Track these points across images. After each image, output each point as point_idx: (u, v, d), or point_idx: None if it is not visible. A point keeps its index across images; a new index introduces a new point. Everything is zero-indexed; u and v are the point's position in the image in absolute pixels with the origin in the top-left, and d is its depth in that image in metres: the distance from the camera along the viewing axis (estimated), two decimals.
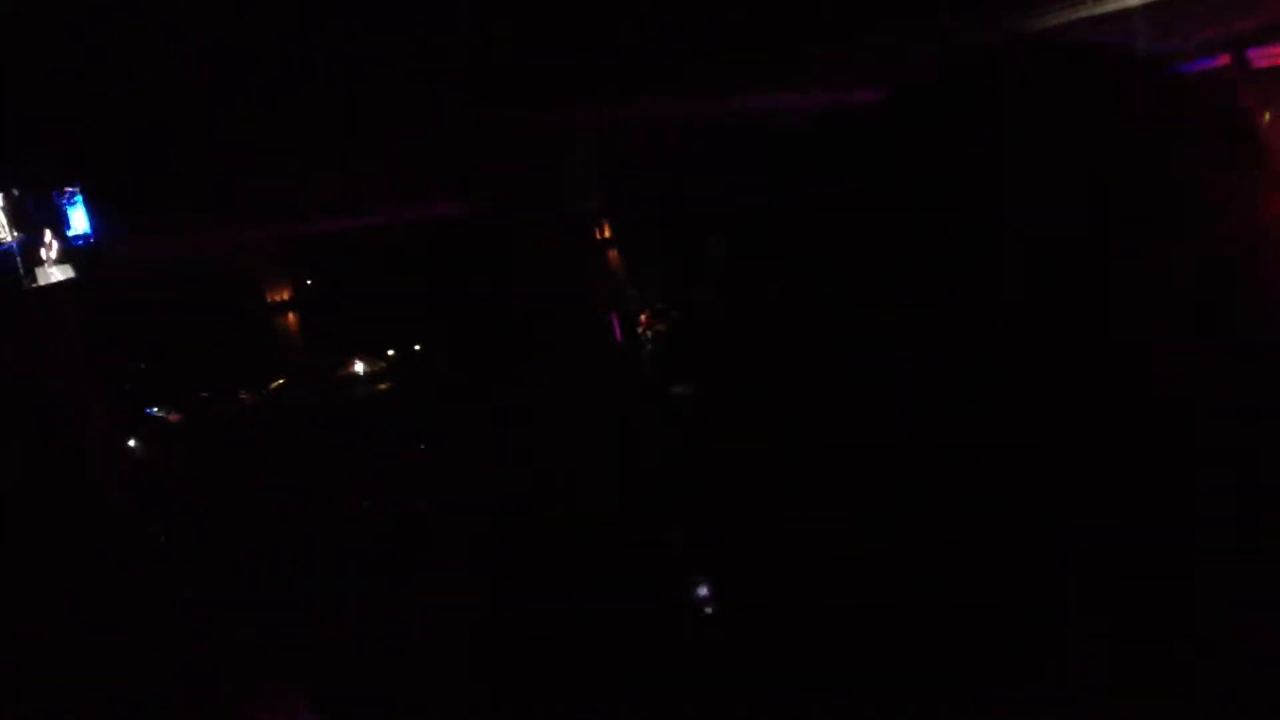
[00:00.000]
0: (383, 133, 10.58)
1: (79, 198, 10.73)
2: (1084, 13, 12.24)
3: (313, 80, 9.17)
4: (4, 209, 10.29)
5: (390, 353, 17.71)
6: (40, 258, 10.30)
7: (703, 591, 6.97)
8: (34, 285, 10.10)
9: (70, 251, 10.57)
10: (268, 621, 8.12)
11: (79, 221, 10.77)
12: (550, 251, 14.27)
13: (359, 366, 17.41)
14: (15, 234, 10.17)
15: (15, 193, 10.22)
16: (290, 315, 15.27)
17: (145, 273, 12.52)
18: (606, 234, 14.96)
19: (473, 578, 8.50)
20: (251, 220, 12.15)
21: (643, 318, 15.79)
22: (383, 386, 17.23)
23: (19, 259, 10.19)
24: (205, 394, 16.41)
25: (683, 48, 8.90)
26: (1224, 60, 14.09)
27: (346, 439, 12.69)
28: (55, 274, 10.42)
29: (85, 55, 8.86)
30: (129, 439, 11.62)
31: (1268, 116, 14.30)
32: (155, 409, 15.93)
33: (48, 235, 10.41)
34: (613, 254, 15.26)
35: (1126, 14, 12.41)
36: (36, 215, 10.44)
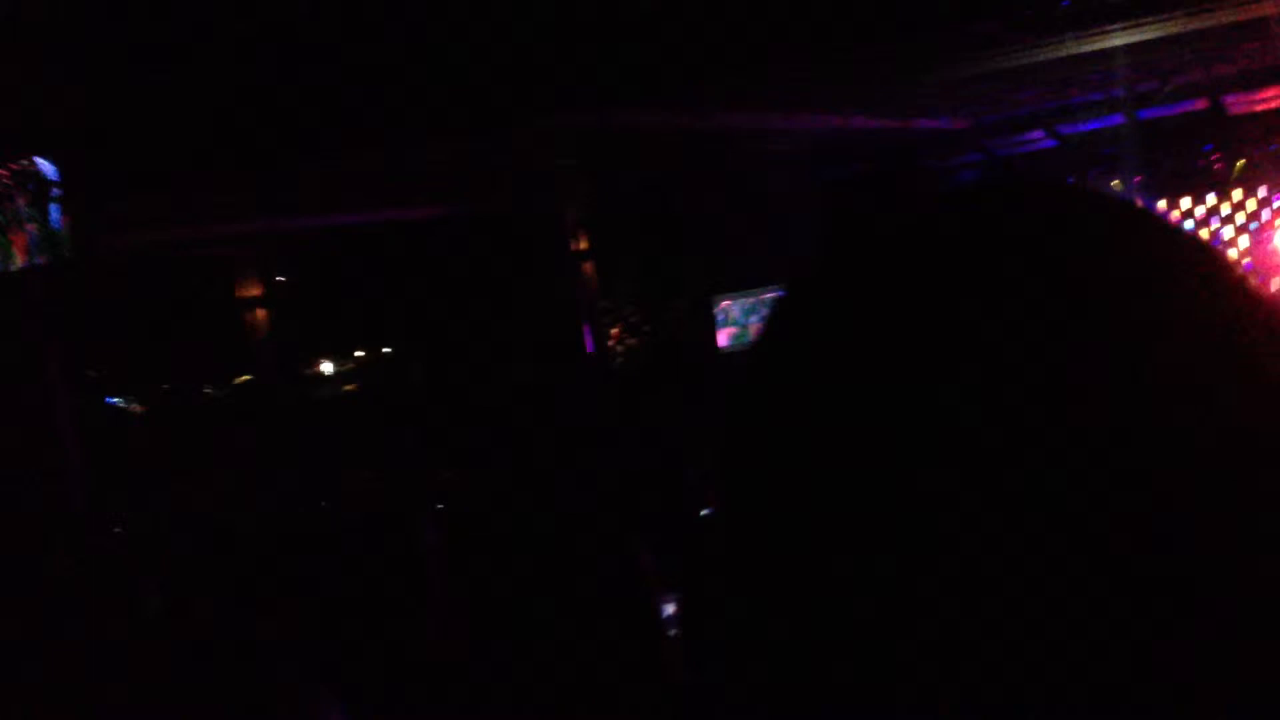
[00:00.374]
0: (363, 133, 10.57)
1: (54, 185, 10.67)
2: (1064, 52, 12.35)
3: (296, 77, 9.16)
4: None
5: (358, 354, 17.67)
6: (20, 242, 10.24)
7: (670, 611, 6.99)
8: (7, 270, 10.03)
9: (44, 237, 10.51)
10: (222, 619, 8.09)
11: (53, 208, 10.71)
12: (526, 260, 14.31)
13: (326, 366, 17.36)
14: None
15: None
16: (260, 311, 15.22)
17: (115, 262, 12.46)
18: (583, 245, 15.00)
19: (429, 588, 8.49)
20: (226, 215, 12.12)
21: (614, 331, 15.84)
22: (349, 387, 17.19)
23: None
24: (166, 386, 16.31)
25: (670, 63, 8.93)
26: (1201, 105, 14.28)
27: (310, 438, 12.67)
28: (28, 259, 10.35)
29: (63, 46, 8.82)
30: (90, 428, 11.55)
31: (1242, 163, 14.47)
32: (117, 399, 15.82)
33: (22, 220, 10.35)
34: (587, 266, 15.30)
35: (1107, 54, 12.53)
36: (8, 200, 10.38)
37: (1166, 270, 0.59)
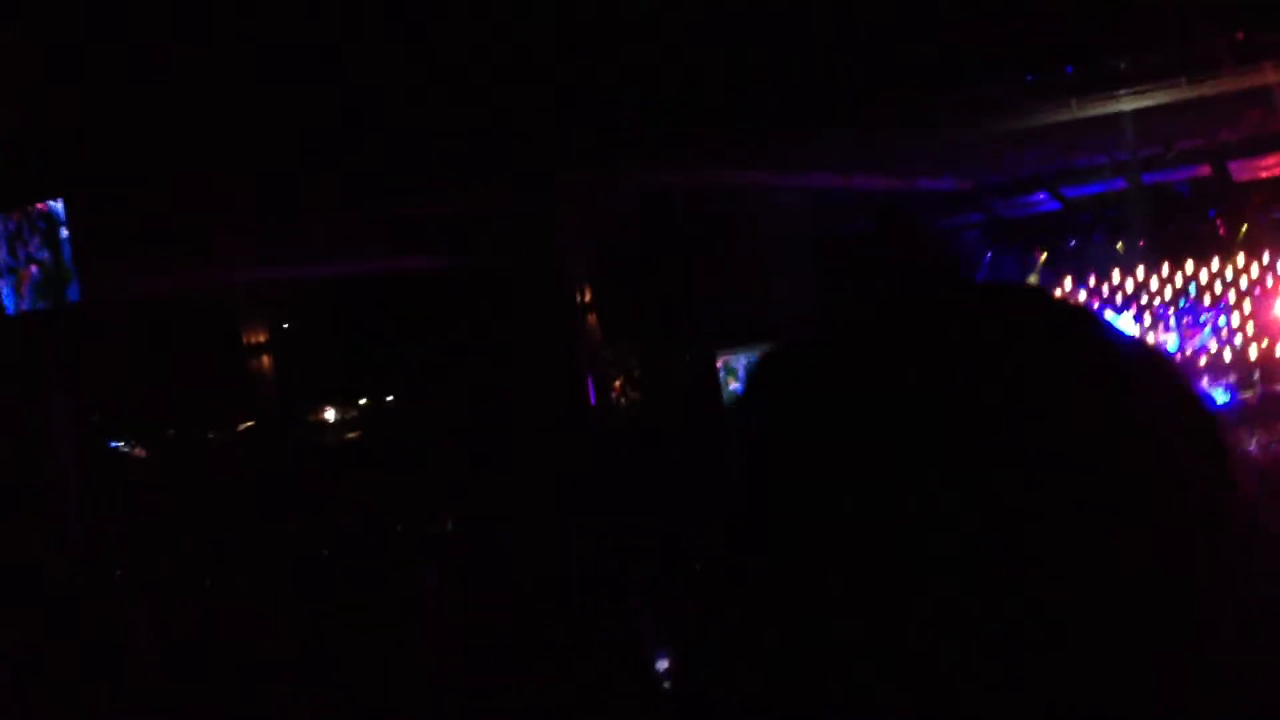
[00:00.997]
0: (370, 182, 10.63)
1: (62, 228, 10.70)
2: (1069, 115, 12.44)
3: (301, 125, 9.22)
4: None
5: (362, 401, 17.65)
6: (25, 283, 10.26)
7: (664, 664, 6.96)
8: (13, 312, 10.04)
9: (50, 279, 10.53)
10: (219, 664, 8.06)
11: (61, 249, 10.73)
12: (530, 310, 14.33)
13: (330, 413, 17.34)
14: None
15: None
16: (265, 358, 15.22)
17: (120, 304, 12.47)
18: (587, 298, 15.03)
19: (425, 621, 8.49)
20: (234, 260, 12.15)
21: (616, 384, 15.84)
22: (352, 435, 17.16)
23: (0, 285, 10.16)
24: (171, 431, 16.27)
25: (676, 120, 9.01)
26: (1205, 171, 14.31)
27: (312, 485, 12.62)
28: (38, 301, 10.37)
29: (69, 89, 8.88)
30: (92, 471, 11.53)
31: (1245, 228, 14.51)
32: (120, 443, 15.80)
33: (28, 261, 10.37)
34: (591, 318, 15.32)
35: (1111, 118, 12.62)
36: (17, 241, 10.42)
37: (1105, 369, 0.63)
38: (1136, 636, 0.57)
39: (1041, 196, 15.77)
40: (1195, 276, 15.55)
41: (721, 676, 0.62)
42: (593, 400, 15.20)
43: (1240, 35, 10.51)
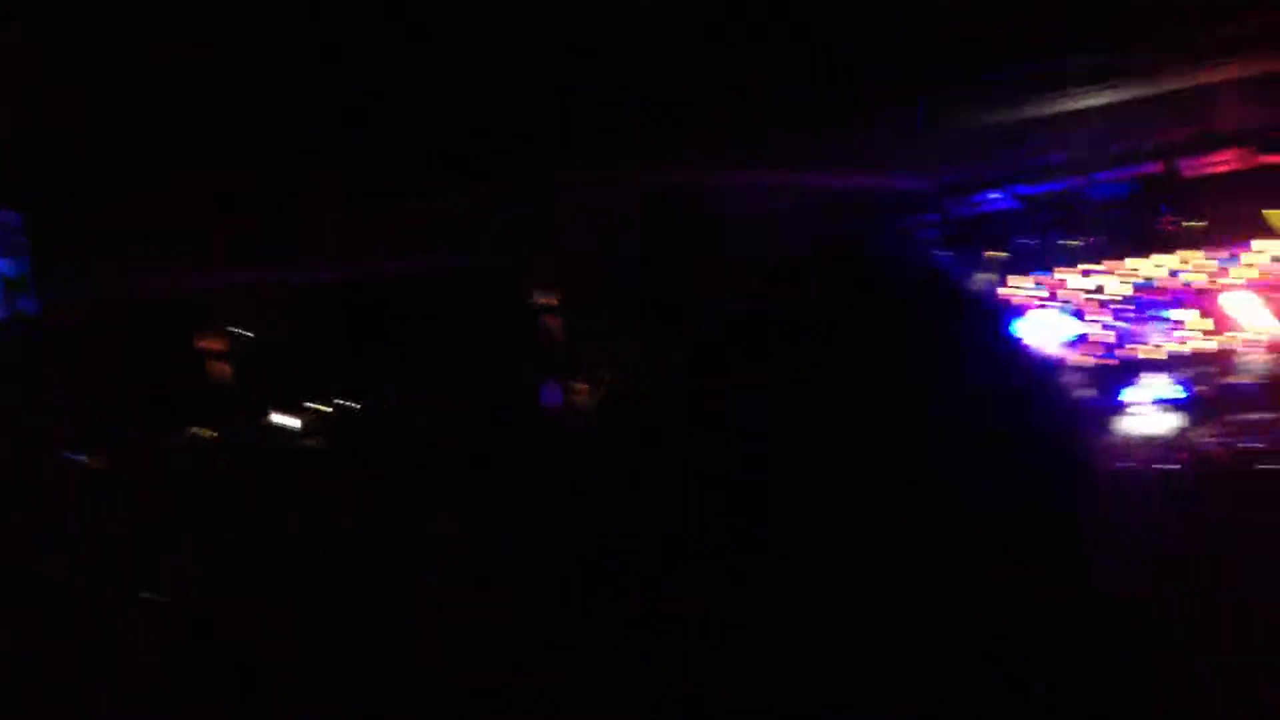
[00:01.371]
0: (341, 186, 10.59)
1: (19, 233, 10.54)
2: (1024, 114, 12.65)
3: (274, 127, 9.18)
4: None
5: (326, 408, 17.48)
6: None
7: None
8: None
9: (8, 288, 10.37)
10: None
11: (19, 258, 10.57)
12: (496, 313, 14.32)
13: (291, 419, 17.15)
14: None
15: None
16: (225, 364, 15.05)
17: (77, 314, 12.30)
18: (551, 300, 15.03)
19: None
20: (196, 264, 12.03)
21: (583, 387, 15.82)
22: (313, 442, 16.98)
23: None
24: (130, 439, 16.01)
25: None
26: (1157, 168, 14.54)
27: (272, 492, 12.50)
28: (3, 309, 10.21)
29: (41, 96, 8.78)
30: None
31: (1207, 223, 14.80)
32: (76, 453, 15.52)
33: None
34: (553, 320, 15.31)
35: (1066, 117, 12.88)
36: None
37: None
38: (1137, 636, 0.59)
39: (997, 195, 15.95)
40: (1137, 271, 15.74)
41: (721, 676, 0.65)
42: (554, 402, 15.20)
43: (1194, 33, 10.76)
